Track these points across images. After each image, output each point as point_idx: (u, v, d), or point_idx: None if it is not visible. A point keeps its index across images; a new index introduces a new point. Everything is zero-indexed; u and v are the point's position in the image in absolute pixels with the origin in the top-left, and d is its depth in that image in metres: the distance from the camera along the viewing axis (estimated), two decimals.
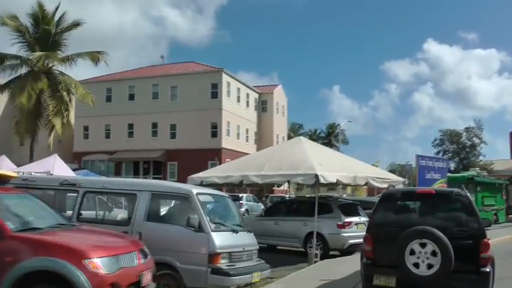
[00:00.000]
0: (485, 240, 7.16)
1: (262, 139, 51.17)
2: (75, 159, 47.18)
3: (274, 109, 54.14)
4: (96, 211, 9.87)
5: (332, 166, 13.90)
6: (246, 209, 31.48)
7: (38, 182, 9.78)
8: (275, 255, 14.66)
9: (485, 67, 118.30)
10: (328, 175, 12.84)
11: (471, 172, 31.92)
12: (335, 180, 13.23)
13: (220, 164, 33.08)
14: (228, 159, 34.87)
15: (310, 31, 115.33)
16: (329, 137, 75.68)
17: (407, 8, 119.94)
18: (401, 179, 16.98)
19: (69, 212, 9.01)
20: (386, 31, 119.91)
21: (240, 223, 9.29)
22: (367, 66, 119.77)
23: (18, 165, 21.28)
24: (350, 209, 15.51)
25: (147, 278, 6.51)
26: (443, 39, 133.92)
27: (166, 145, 46.16)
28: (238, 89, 49.26)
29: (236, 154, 37.65)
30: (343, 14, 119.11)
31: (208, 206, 8.83)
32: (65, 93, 29.50)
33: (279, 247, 16.15)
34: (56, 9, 29.38)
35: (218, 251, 7.86)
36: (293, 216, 15.64)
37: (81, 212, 9.00)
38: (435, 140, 69.80)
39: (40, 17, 28.83)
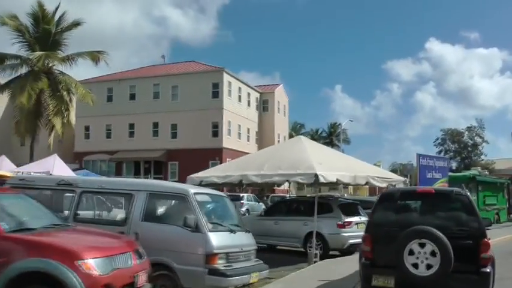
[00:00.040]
0: (486, 240, 7.06)
1: (264, 139, 51.09)
2: (76, 159, 47.16)
3: (275, 109, 54.04)
4: (94, 211, 9.81)
5: (332, 165, 13.82)
6: (247, 209, 31.36)
7: (35, 182, 9.73)
8: (275, 255, 14.60)
9: (487, 66, 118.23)
10: (328, 174, 12.75)
11: (473, 171, 31.79)
12: (335, 180, 13.16)
13: (221, 163, 33.00)
14: (229, 159, 34.76)
15: (312, 30, 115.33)
16: (331, 137, 75.60)
17: (409, 7, 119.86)
18: (402, 178, 16.88)
19: (67, 212, 8.96)
20: (389, 30, 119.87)
21: (238, 223, 9.21)
22: (369, 65, 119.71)
23: (19, 165, 21.22)
24: (350, 208, 15.42)
25: (142, 279, 6.43)
26: (445, 38, 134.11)
27: (167, 145, 46.11)
28: (240, 88, 49.19)
29: (237, 154, 37.55)
30: (344, 14, 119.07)
31: (205, 205, 8.74)
32: (65, 93, 29.46)
33: (279, 247, 16.08)
34: (56, 8, 29.43)
35: (215, 251, 7.78)
36: (293, 216, 15.56)
37: (78, 212, 8.94)
38: (437, 139, 69.75)
39: (40, 17, 28.81)
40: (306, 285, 9.55)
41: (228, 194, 30.75)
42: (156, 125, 47.26)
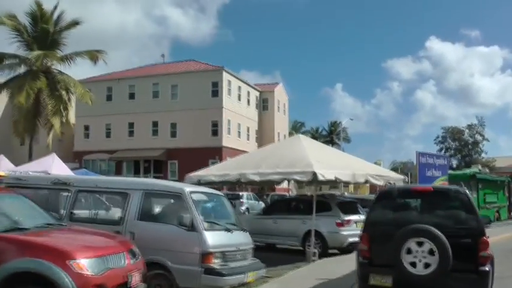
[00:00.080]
0: (484, 238, 6.97)
1: (263, 137, 50.99)
2: (75, 158, 47.10)
3: (275, 107, 53.93)
4: (90, 210, 9.71)
5: (331, 164, 13.75)
6: (247, 208, 31.29)
7: (30, 182, 9.66)
8: (274, 254, 14.54)
9: (488, 64, 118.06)
10: (326, 173, 12.67)
11: (473, 169, 31.71)
12: (333, 178, 13.06)
13: (221, 162, 32.91)
14: (228, 158, 34.67)
15: (313, 29, 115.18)
16: (331, 135, 75.53)
17: (409, 5, 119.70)
18: (401, 176, 16.81)
19: (62, 212, 8.87)
20: (389, 29, 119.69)
21: (234, 222, 9.12)
22: (369, 64, 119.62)
23: (18, 165, 21.13)
24: (349, 207, 15.35)
25: (135, 278, 6.35)
26: (445, 36, 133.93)
27: (167, 144, 46.05)
28: (239, 87, 49.09)
29: (237, 152, 37.43)
30: (345, 12, 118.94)
31: (201, 204, 8.66)
32: (63, 92, 29.33)
33: (278, 246, 16.00)
34: (55, 8, 29.27)
35: (211, 250, 7.71)
36: (292, 214, 15.47)
37: (74, 211, 8.87)
38: (437, 137, 69.64)
39: (38, 16, 28.68)
40: (303, 285, 9.46)
41: (228, 192, 30.92)
42: (155, 124, 47.20)
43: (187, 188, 8.44)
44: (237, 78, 48.90)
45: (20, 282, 5.69)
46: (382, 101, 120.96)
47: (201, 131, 44.80)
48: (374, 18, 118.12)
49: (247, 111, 50.35)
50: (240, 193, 33.28)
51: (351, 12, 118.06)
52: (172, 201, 8.62)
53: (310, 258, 12.79)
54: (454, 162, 64.14)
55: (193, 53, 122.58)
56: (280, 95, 56.16)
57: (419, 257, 6.86)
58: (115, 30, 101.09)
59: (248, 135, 50.55)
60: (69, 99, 29.90)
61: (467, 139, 68.17)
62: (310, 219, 13.52)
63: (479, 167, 35.60)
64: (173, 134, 46.71)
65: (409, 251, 6.90)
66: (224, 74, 45.82)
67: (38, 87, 27.32)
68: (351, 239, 14.01)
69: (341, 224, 14.31)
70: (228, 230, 8.41)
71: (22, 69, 28.78)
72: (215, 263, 7.74)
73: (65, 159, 24.16)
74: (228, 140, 45.50)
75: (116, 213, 9.03)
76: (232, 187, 30.12)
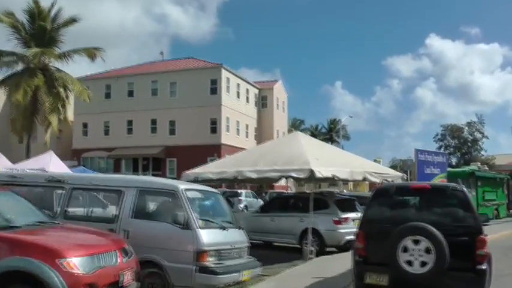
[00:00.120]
0: (482, 236, 6.88)
1: (263, 135, 50.85)
2: (74, 156, 47.06)
3: (274, 105, 53.81)
4: (84, 208, 9.62)
5: (328, 161, 13.64)
6: (245, 205, 31.21)
7: (25, 179, 9.58)
8: (271, 252, 14.48)
9: (488, 62, 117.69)
10: (324, 170, 12.57)
11: (472, 167, 31.61)
12: (330, 175, 12.96)
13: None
14: (227, 155, 34.59)
15: (312, 27, 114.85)
16: (330, 133, 75.39)
17: (409, 3, 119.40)
18: (399, 173, 16.70)
19: (57, 209, 8.80)
20: (389, 26, 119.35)
21: (230, 220, 9.04)
22: (369, 61, 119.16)
23: (16, 163, 21.06)
24: (347, 204, 15.25)
25: (127, 277, 6.26)
26: (445, 34, 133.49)
27: (166, 141, 45.98)
28: (238, 84, 48.98)
29: (236, 150, 37.13)
30: (344, 10, 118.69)
31: (196, 202, 8.58)
32: (61, 89, 29.17)
33: (276, 244, 15.92)
34: (52, 5, 29.14)
35: (205, 248, 7.63)
36: (289, 212, 15.40)
37: (68, 209, 8.79)
38: (436, 135, 69.49)
39: (36, 13, 28.56)
40: (299, 283, 9.37)
41: (227, 190, 30.79)
42: (154, 121, 47.12)
43: (182, 186, 8.36)
44: (235, 75, 48.79)
45: (11, 281, 5.61)
46: (382, 98, 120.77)
47: (200, 128, 44.72)
48: (374, 16, 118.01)
49: (246, 109, 50.26)
50: (239, 191, 33.20)
51: (351, 10, 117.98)
52: (166, 198, 8.53)
53: (307, 256, 12.71)
54: (454, 160, 64.08)
55: (193, 51, 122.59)
56: (280, 93, 56.05)
57: (416, 255, 6.77)
58: (115, 28, 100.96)
59: (247, 132, 50.46)
60: (67, 97, 29.77)
61: (466, 137, 68.05)
62: (307, 217, 13.44)
63: (479, 164, 35.49)
64: (172, 132, 46.62)
65: (405, 249, 6.81)
66: (223, 71, 45.72)
67: (36, 84, 27.19)
68: (348, 237, 13.92)
69: (338, 222, 14.22)
70: (223, 228, 8.33)
71: (20, 67, 28.68)
72: (210, 261, 7.67)
73: (64, 157, 24.10)
74: (226, 138, 45.41)
75: (110, 211, 8.96)
76: (231, 185, 30.03)
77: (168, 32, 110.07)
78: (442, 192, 7.67)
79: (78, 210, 9.24)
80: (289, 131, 55.38)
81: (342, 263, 11.09)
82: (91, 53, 29.33)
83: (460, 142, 67.95)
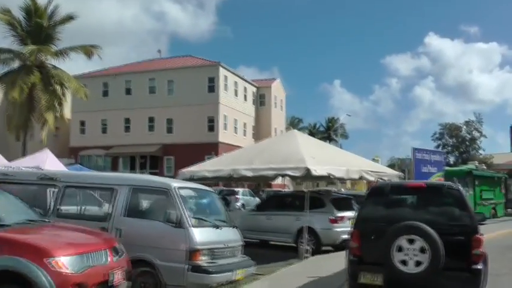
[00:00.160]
0: (478, 235, 6.79)
1: (260, 133, 50.74)
2: (71, 154, 46.91)
3: (272, 103, 53.72)
4: (77, 206, 9.53)
5: (325, 159, 13.55)
6: (242, 204, 31.10)
7: (17, 177, 9.51)
8: (267, 251, 14.40)
9: (486, 61, 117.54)
10: (319, 168, 12.48)
11: (469, 166, 31.53)
12: (326, 174, 12.86)
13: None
14: (224, 154, 34.51)
15: (311, 25, 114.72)
16: (328, 131, 75.33)
17: (408, 1, 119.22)
18: (396, 172, 16.63)
19: (49, 208, 8.70)
20: (387, 25, 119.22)
21: (224, 218, 8.96)
22: (368, 60, 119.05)
23: (13, 161, 20.94)
24: (343, 203, 15.17)
25: (118, 276, 6.17)
26: (444, 32, 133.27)
27: (163, 139, 45.83)
28: (236, 82, 48.87)
29: (233, 148, 37.16)
30: (343, 9, 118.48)
31: (190, 200, 8.49)
32: (58, 87, 29.16)
33: (272, 242, 15.83)
34: (49, 2, 29.05)
35: (198, 247, 7.55)
36: (285, 211, 15.28)
37: (61, 207, 8.70)
38: (434, 133, 69.36)
39: (32, 11, 28.56)
40: (293, 282, 9.28)
41: (224, 188, 30.66)
42: (151, 119, 46.98)
43: (175, 184, 8.27)
44: (233, 73, 48.66)
45: (0, 280, 5.52)
46: (380, 97, 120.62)
47: (198, 126, 44.60)
48: (372, 14, 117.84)
49: (244, 107, 50.15)
50: (236, 189, 33.12)
51: (349, 9, 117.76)
52: (159, 197, 8.44)
53: (303, 255, 12.63)
54: (452, 159, 64.00)
55: (192, 49, 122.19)
56: (278, 91, 55.96)
57: (411, 254, 6.69)
58: (113, 26, 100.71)
59: (245, 130, 50.36)
60: (63, 94, 29.73)
61: (464, 136, 67.93)
62: (303, 216, 13.35)
63: (476, 163, 35.39)
64: (169, 130, 46.49)
65: (400, 249, 6.73)
66: (220, 69, 45.60)
67: (32, 81, 27.17)
68: (344, 236, 13.82)
69: (334, 221, 14.14)
70: (216, 226, 8.25)
71: (16, 64, 28.71)
72: (202, 260, 7.59)
73: (61, 155, 23.99)
74: (224, 136, 45.31)
75: (103, 209, 8.87)
76: (228, 183, 29.94)
77: (167, 30, 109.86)
78: (437, 191, 7.59)
79: (71, 209, 9.15)
80: (287, 129, 55.25)
81: (338, 262, 11.00)
82: (88, 51, 29.30)
83: (458, 141, 67.81)
